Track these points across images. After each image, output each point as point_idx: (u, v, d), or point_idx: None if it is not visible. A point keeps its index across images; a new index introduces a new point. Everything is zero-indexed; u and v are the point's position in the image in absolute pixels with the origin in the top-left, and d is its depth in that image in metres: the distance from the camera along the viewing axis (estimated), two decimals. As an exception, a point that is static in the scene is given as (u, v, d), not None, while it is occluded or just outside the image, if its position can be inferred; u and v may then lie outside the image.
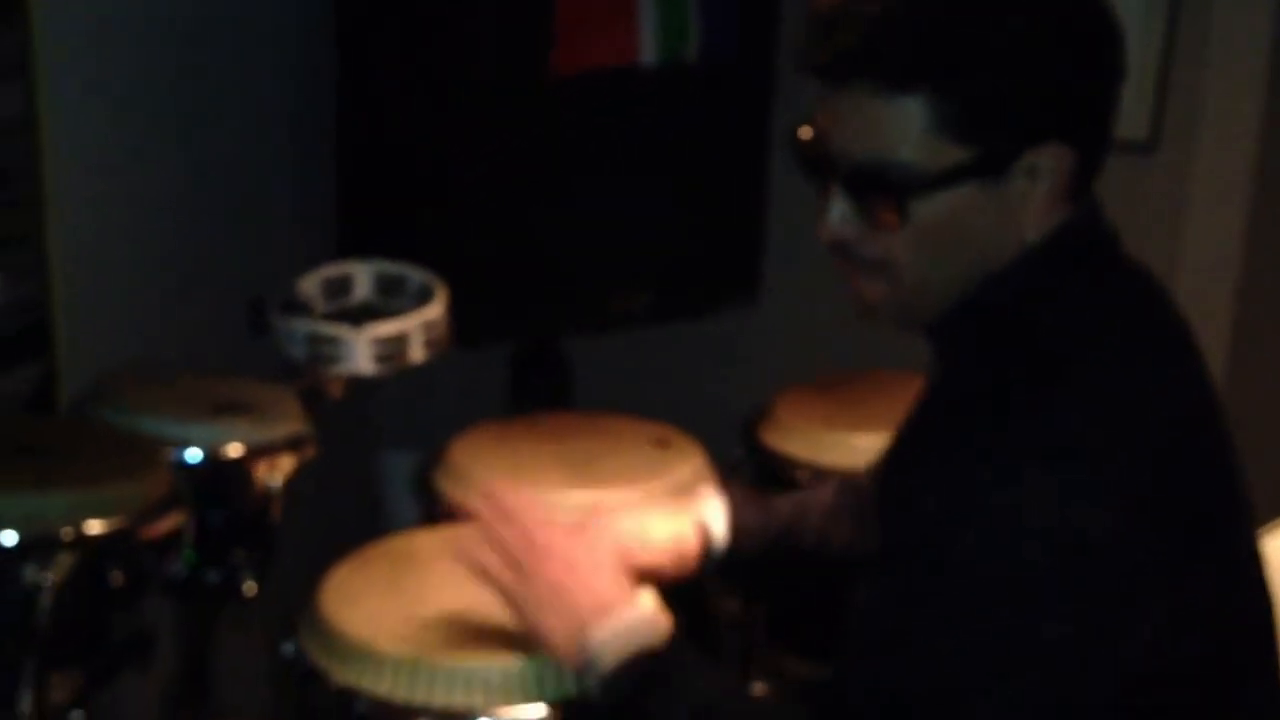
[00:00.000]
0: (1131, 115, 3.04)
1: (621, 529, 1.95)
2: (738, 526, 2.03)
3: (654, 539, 1.97)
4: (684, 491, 2.28)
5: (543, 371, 3.15)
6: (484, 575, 1.77)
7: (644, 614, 1.70)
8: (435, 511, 2.31)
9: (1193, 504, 1.49)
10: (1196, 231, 3.07)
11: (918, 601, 1.44)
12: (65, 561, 1.67)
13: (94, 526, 1.70)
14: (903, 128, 1.46)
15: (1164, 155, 3.07)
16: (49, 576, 1.65)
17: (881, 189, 1.49)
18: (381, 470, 3.57)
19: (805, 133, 1.57)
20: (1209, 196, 3.06)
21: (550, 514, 2.13)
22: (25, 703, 1.68)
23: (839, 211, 1.53)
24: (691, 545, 1.99)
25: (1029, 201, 1.49)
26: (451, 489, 2.31)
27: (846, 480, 2.06)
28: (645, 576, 1.90)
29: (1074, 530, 1.39)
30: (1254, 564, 1.61)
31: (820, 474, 2.45)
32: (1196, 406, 1.56)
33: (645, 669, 1.64)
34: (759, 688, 2.50)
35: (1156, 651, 1.44)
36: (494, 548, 1.77)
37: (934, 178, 1.47)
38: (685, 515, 2.03)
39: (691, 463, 2.37)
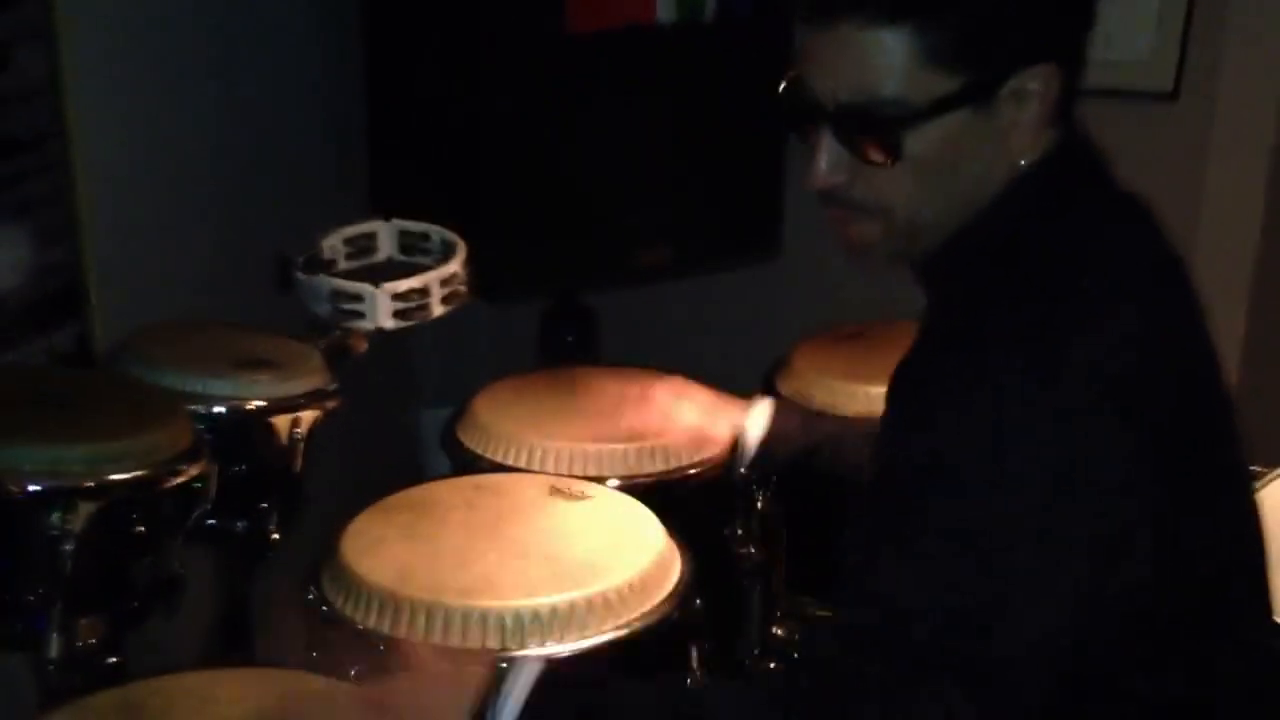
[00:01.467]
0: (1155, 66, 3.04)
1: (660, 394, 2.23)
2: (776, 430, 2.13)
3: (680, 415, 2.22)
4: (704, 441, 2.33)
5: (570, 326, 3.18)
6: None
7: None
8: (461, 464, 2.36)
9: (1183, 416, 1.48)
10: (1218, 181, 3.05)
11: (920, 511, 1.41)
12: (87, 510, 1.69)
13: (115, 476, 1.73)
14: (890, 62, 1.44)
15: (1186, 105, 3.06)
16: (72, 524, 1.68)
17: (872, 126, 1.47)
18: (422, 427, 3.62)
19: (788, 82, 1.55)
20: (1231, 146, 3.05)
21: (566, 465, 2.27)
22: (54, 646, 1.72)
23: (829, 156, 1.52)
24: (716, 433, 2.22)
25: (1018, 125, 1.48)
26: (473, 442, 2.36)
27: None
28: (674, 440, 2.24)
29: (1067, 446, 1.38)
30: (1245, 493, 1.61)
31: (838, 422, 2.48)
32: (1188, 328, 1.54)
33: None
34: (781, 630, 2.55)
35: (1155, 554, 1.43)
36: None
37: (924, 109, 1.45)
38: (728, 412, 2.19)
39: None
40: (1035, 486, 1.38)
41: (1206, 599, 1.52)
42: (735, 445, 2.21)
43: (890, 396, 1.65)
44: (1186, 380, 1.51)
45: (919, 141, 1.47)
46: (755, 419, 2.19)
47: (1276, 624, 1.74)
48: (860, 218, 1.55)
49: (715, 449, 2.27)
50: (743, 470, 2.24)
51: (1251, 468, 1.70)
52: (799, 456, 2.16)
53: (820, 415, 2.38)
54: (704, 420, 2.24)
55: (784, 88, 1.56)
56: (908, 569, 1.41)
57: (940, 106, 1.45)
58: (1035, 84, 1.47)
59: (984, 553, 1.38)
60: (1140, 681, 1.50)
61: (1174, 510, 1.45)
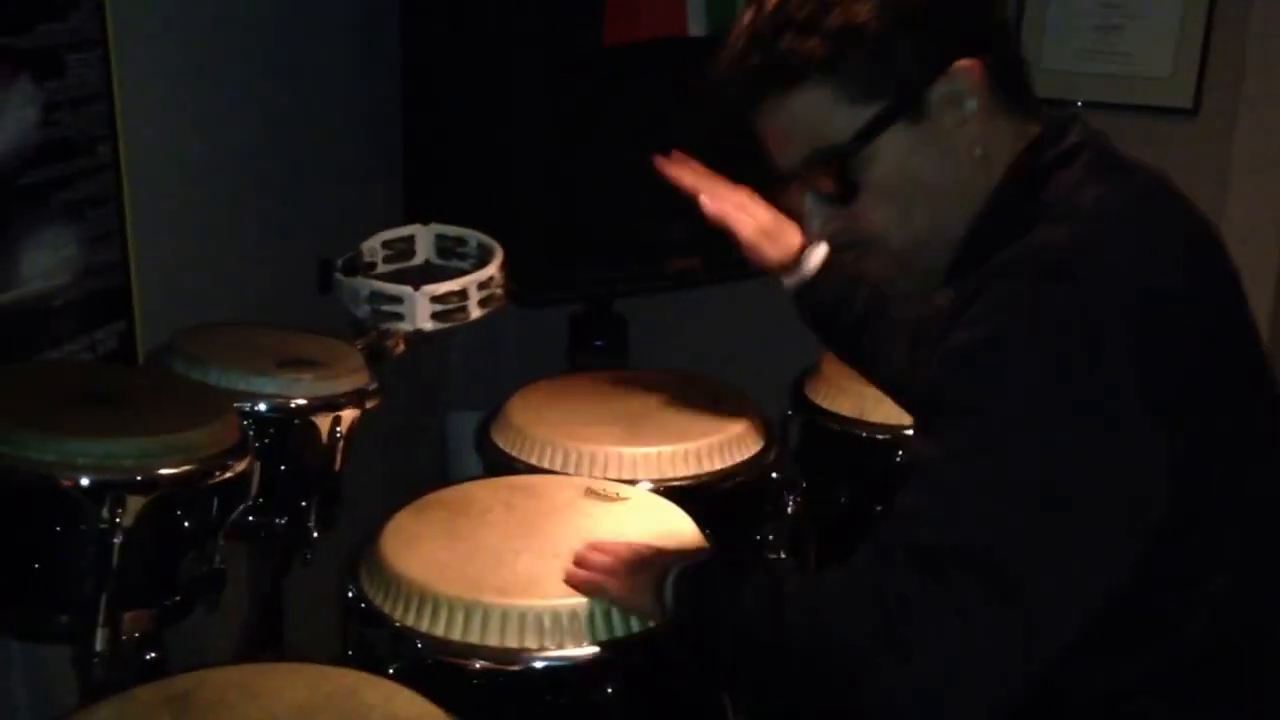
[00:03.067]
0: (1175, 82, 3.07)
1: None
2: (837, 264, 2.16)
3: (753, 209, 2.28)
4: (737, 445, 2.35)
5: (600, 332, 3.20)
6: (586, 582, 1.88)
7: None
8: (494, 466, 2.39)
9: (1209, 374, 1.48)
10: (1239, 197, 3.08)
11: (957, 448, 1.43)
12: (136, 504, 1.71)
13: (165, 470, 1.75)
14: (813, 115, 1.55)
15: (1206, 121, 3.09)
16: (121, 518, 1.70)
17: (827, 173, 1.58)
18: (449, 429, 3.65)
19: (771, 170, 1.66)
20: (1251, 162, 3.07)
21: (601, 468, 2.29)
22: (99, 640, 1.73)
23: (814, 211, 1.64)
24: (789, 236, 2.24)
25: (966, 125, 1.54)
26: (507, 444, 2.39)
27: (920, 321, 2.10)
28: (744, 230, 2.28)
29: (1092, 347, 1.39)
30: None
31: (867, 430, 2.50)
32: (1207, 277, 1.55)
33: (732, 576, 1.69)
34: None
35: (1189, 495, 1.44)
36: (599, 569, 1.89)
37: (860, 141, 1.54)
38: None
39: (744, 418, 2.43)
40: (1067, 422, 1.39)
41: (1245, 564, 1.53)
42: (797, 260, 2.23)
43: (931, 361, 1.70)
44: (1208, 323, 1.51)
45: (872, 169, 1.56)
46: (814, 252, 2.22)
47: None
48: (870, 255, 1.64)
49: (783, 250, 2.26)
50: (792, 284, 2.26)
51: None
52: (835, 305, 2.20)
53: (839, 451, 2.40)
54: (774, 220, 2.27)
55: (771, 172, 1.67)
56: (941, 494, 1.43)
57: (872, 130, 1.54)
58: (959, 82, 1.53)
59: (1016, 484, 1.39)
60: (1174, 639, 1.51)
61: (1204, 472, 1.46)
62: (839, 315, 2.20)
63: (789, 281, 2.24)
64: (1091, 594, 1.43)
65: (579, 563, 1.90)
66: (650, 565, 1.83)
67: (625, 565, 1.85)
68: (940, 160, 1.56)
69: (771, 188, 1.89)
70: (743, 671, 1.69)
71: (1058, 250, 1.45)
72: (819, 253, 2.20)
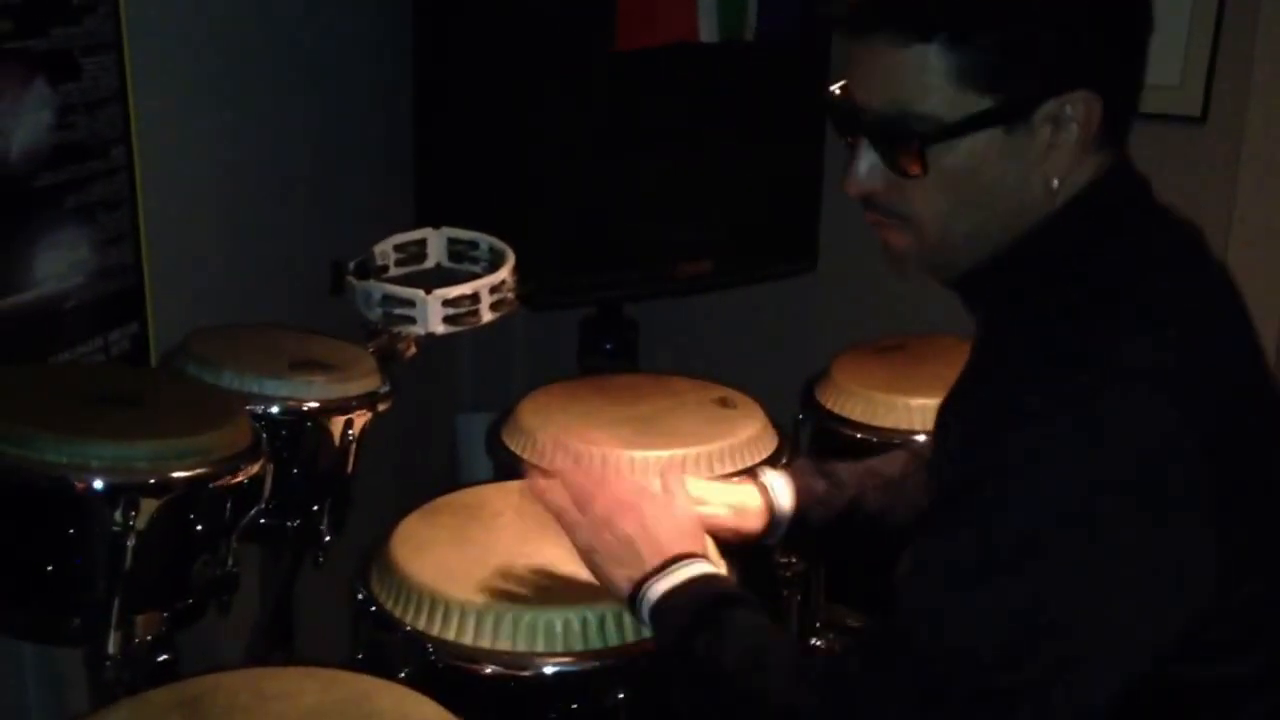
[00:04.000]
0: (1184, 90, 3.07)
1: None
2: (802, 497, 2.03)
3: (713, 499, 2.00)
4: (747, 450, 2.35)
5: (610, 336, 3.20)
6: (559, 518, 1.83)
7: (705, 570, 1.73)
8: (505, 468, 2.39)
9: (1253, 438, 1.47)
10: (1248, 204, 3.08)
11: (990, 538, 1.40)
12: (150, 506, 1.72)
13: (179, 473, 1.75)
14: (922, 77, 1.46)
15: (1215, 129, 3.08)
16: (134, 520, 1.70)
17: (903, 138, 1.49)
18: (458, 431, 3.65)
19: (836, 89, 1.58)
20: (1260, 169, 3.06)
21: (624, 472, 2.22)
22: (112, 642, 1.74)
23: (866, 163, 1.55)
24: (753, 511, 2.02)
25: (1054, 150, 1.48)
26: (518, 446, 2.39)
27: (920, 451, 2.06)
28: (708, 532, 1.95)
29: (1149, 456, 1.37)
30: None
31: (877, 435, 2.50)
32: (1247, 345, 1.53)
33: (696, 614, 1.66)
34: (820, 641, 2.56)
35: (1224, 587, 1.42)
36: (573, 497, 1.82)
37: (954, 126, 1.47)
38: (749, 486, 2.05)
39: (754, 423, 2.43)
40: (1086, 516, 1.37)
41: (1262, 619, 1.51)
42: (769, 517, 2.04)
43: (941, 426, 1.67)
44: (1246, 397, 1.50)
45: (949, 157, 1.49)
46: (778, 487, 2.06)
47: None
48: (895, 225, 1.57)
49: (755, 522, 2.04)
50: (774, 543, 2.08)
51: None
52: (831, 521, 2.04)
53: (834, 455, 2.23)
54: (736, 495, 2.05)
55: (832, 94, 1.59)
56: (952, 591, 1.42)
57: (971, 125, 1.47)
58: (1073, 110, 1.47)
59: (1037, 594, 1.38)
60: (1206, 699, 1.49)
61: (1238, 528, 1.43)
62: (843, 521, 2.05)
63: (775, 539, 2.06)
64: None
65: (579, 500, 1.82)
66: (635, 556, 1.74)
67: (605, 537, 1.78)
68: (1016, 176, 1.50)
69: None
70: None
71: (1128, 364, 1.41)
72: (784, 501, 2.04)
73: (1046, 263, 1.52)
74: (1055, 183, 1.50)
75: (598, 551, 1.78)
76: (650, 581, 1.72)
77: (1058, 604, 1.38)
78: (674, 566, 1.72)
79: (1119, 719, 1.45)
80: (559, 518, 1.83)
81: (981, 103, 1.46)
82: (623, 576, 1.75)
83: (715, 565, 1.79)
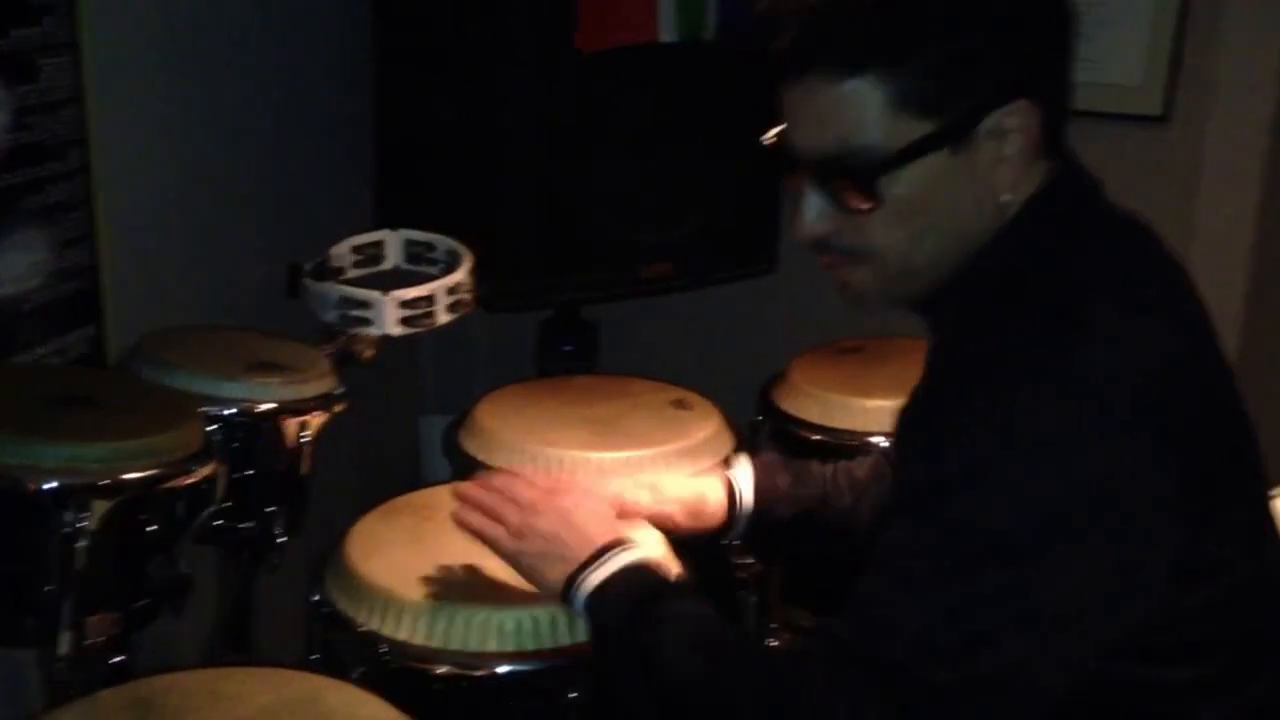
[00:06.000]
0: (1145, 90, 3.09)
1: (636, 480, 2.02)
2: (766, 492, 2.04)
3: (666, 490, 2.02)
4: (702, 451, 2.36)
5: (569, 338, 3.20)
6: (480, 537, 1.85)
7: (637, 557, 1.74)
8: (462, 470, 2.39)
9: (1210, 448, 1.47)
10: (1209, 204, 3.09)
11: (944, 545, 1.41)
12: (101, 507, 1.71)
13: (130, 474, 1.75)
14: (860, 111, 1.45)
15: (1176, 128, 3.10)
16: (86, 522, 1.70)
17: (849, 174, 1.48)
18: (421, 433, 3.66)
19: (769, 137, 1.58)
20: (1221, 169, 3.08)
21: (569, 472, 2.23)
22: (64, 643, 1.74)
23: (814, 206, 1.54)
24: (711, 503, 2.02)
25: (1001, 162, 1.48)
26: (475, 449, 2.39)
27: (889, 455, 2.05)
28: (658, 527, 1.98)
29: (1098, 470, 1.37)
30: (1268, 521, 1.60)
31: (833, 436, 2.51)
32: (1205, 350, 1.53)
33: (635, 607, 1.67)
34: (777, 641, 2.57)
35: (1175, 597, 1.43)
36: (488, 512, 1.85)
37: (898, 155, 1.46)
38: (712, 477, 2.06)
39: (710, 424, 2.43)
40: (1042, 521, 1.38)
41: (1227, 622, 1.51)
42: (730, 511, 2.05)
43: (900, 437, 1.68)
44: (1208, 397, 1.50)
45: (898, 186, 1.48)
46: (744, 479, 2.06)
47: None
48: (852, 264, 1.56)
49: (713, 518, 2.06)
50: (736, 541, 2.10)
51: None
52: (794, 517, 2.05)
53: (793, 456, 2.21)
54: (692, 489, 2.06)
55: (771, 141, 1.58)
56: (904, 590, 1.43)
57: (915, 151, 1.46)
58: (1013, 121, 1.48)
59: (983, 595, 1.39)
60: (1163, 703, 1.50)
61: (1196, 535, 1.44)
62: (806, 519, 2.05)
63: (737, 536, 2.07)
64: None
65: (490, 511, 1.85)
66: (562, 554, 1.75)
67: (530, 541, 1.79)
68: (966, 195, 1.50)
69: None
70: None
71: (1080, 373, 1.40)
72: (747, 494, 2.05)
73: (1002, 275, 1.52)
74: (1006, 196, 1.50)
75: (525, 554, 1.80)
76: (583, 574, 1.72)
77: (1009, 606, 1.39)
78: (605, 557, 1.73)
79: (1073, 718, 1.47)
80: (480, 537, 1.85)
81: (922, 127, 1.46)
82: (554, 574, 1.76)
83: (653, 553, 1.79)
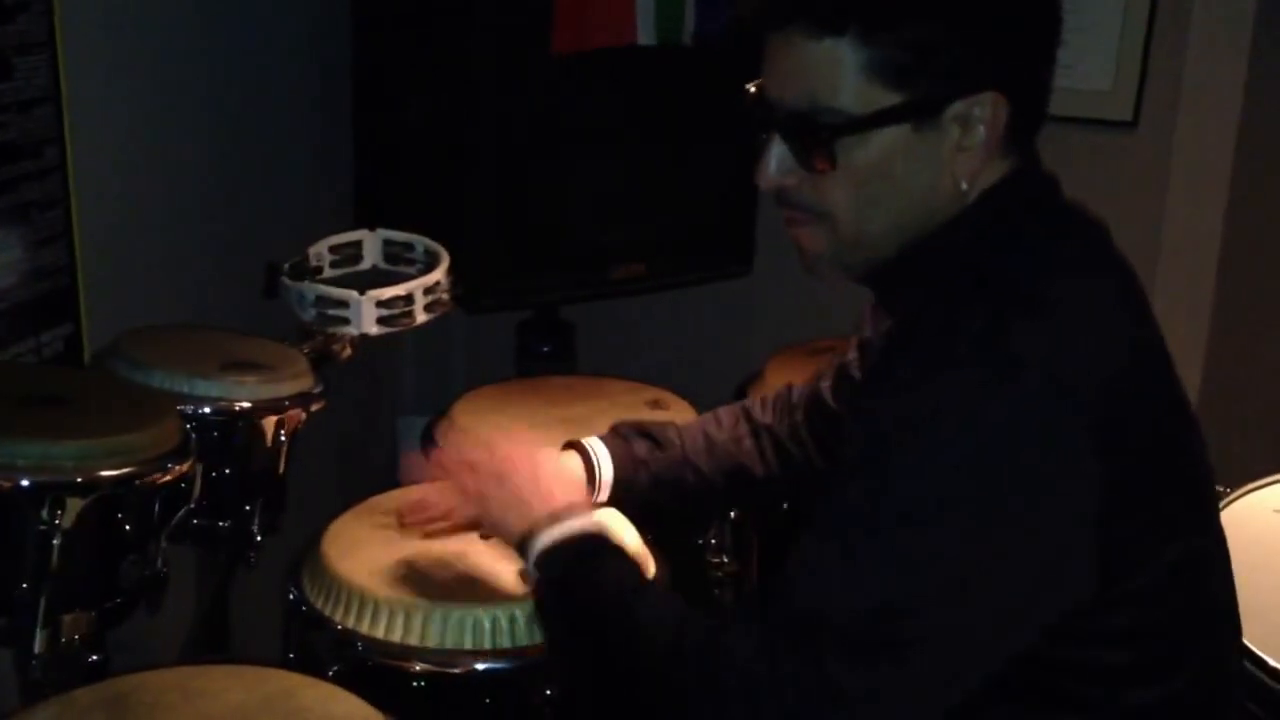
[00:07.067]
0: (1115, 95, 3.11)
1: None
2: (624, 460, 2.03)
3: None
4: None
5: (546, 338, 3.21)
6: (458, 481, 1.88)
7: (592, 522, 1.72)
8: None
9: (1146, 435, 1.48)
10: (1178, 208, 3.11)
11: (869, 517, 1.42)
12: (76, 506, 1.71)
13: (104, 472, 1.74)
14: (833, 71, 1.47)
15: (1146, 133, 3.12)
16: (61, 520, 1.69)
17: (812, 131, 1.50)
18: (400, 433, 3.66)
19: (751, 87, 1.59)
20: (1190, 174, 3.10)
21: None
22: (38, 642, 1.73)
23: (776, 158, 1.56)
24: (574, 483, 1.99)
25: (963, 150, 1.50)
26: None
27: (749, 409, 2.08)
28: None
29: (1031, 447, 1.38)
30: (1212, 511, 1.62)
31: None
32: (1146, 343, 1.55)
33: (575, 557, 1.67)
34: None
35: (1105, 581, 1.44)
36: (469, 465, 1.87)
37: (862, 120, 1.48)
38: (571, 454, 2.03)
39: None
40: (966, 502, 1.39)
41: (1175, 623, 1.53)
42: (590, 484, 2.02)
43: (852, 412, 1.70)
44: (1148, 386, 1.52)
45: (858, 152, 1.50)
46: (600, 451, 2.04)
47: (1245, 646, 1.78)
48: (809, 221, 1.58)
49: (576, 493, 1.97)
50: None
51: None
52: (662, 480, 2.05)
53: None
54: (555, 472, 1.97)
55: (747, 92, 1.60)
56: (833, 557, 1.43)
57: (879, 120, 1.48)
58: (981, 110, 1.49)
59: (908, 559, 1.39)
60: (1103, 698, 1.50)
61: (1136, 532, 1.45)
62: (682, 480, 2.06)
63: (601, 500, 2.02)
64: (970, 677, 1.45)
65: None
66: (526, 510, 1.74)
67: (501, 491, 1.79)
68: (925, 175, 1.52)
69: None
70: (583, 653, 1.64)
71: (1017, 351, 1.42)
72: (606, 469, 2.02)
73: (951, 259, 1.53)
74: (964, 184, 1.52)
75: (494, 504, 1.81)
76: (540, 531, 1.70)
77: (932, 574, 1.40)
78: (559, 520, 1.70)
79: (998, 699, 1.47)
80: (462, 485, 1.87)
81: (890, 98, 1.48)
82: (515, 528, 1.74)
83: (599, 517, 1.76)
